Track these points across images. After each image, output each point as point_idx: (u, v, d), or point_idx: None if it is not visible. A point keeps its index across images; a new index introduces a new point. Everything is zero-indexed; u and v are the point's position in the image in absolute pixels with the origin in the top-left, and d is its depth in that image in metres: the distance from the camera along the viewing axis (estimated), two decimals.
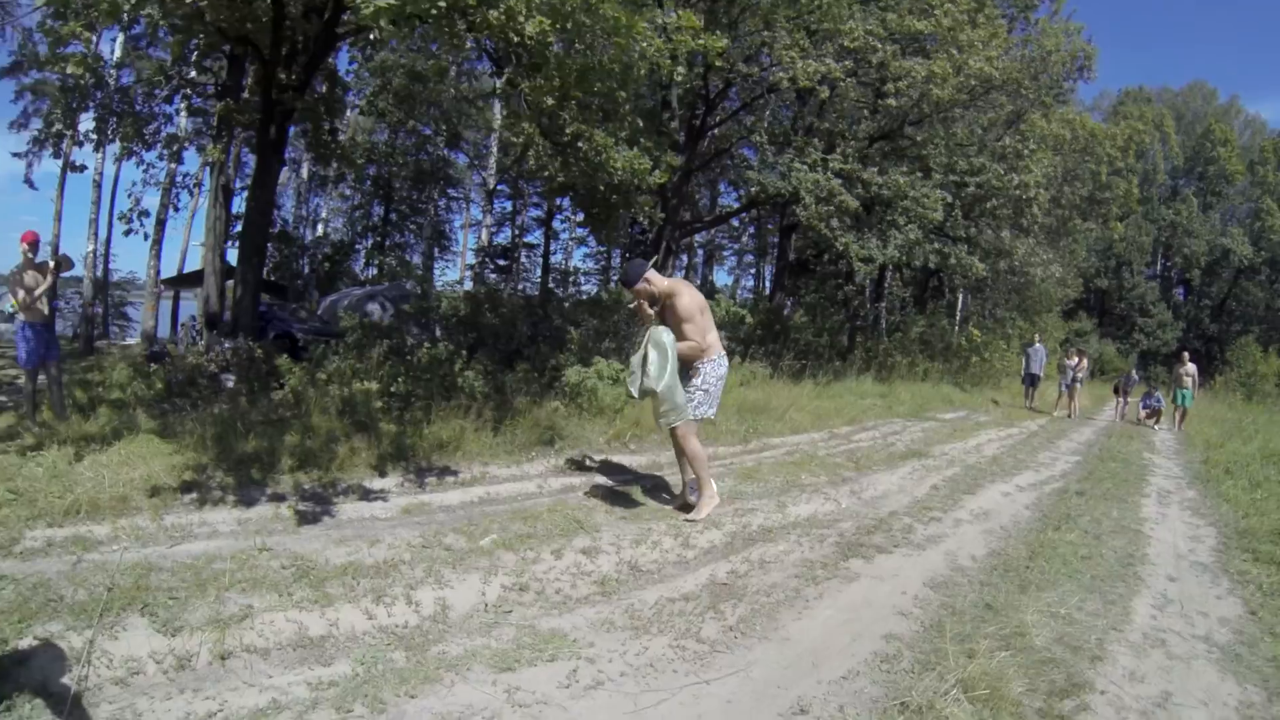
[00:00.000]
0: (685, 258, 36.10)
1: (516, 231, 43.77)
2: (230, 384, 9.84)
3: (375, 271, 37.31)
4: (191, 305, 26.46)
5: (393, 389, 8.88)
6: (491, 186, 29.47)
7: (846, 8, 16.65)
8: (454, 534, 5.27)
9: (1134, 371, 23.83)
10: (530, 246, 44.88)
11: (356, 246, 38.60)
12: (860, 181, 17.11)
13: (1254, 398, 28.69)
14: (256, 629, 3.61)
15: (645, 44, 9.35)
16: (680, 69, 12.07)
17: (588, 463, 7.99)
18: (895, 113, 18.27)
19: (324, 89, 14.54)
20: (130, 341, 29.67)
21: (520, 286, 36.51)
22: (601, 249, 43.22)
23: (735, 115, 21.35)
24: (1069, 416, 19.38)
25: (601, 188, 12.06)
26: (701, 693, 3.52)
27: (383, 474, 6.76)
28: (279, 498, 5.83)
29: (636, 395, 5.96)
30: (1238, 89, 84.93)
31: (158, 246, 24.46)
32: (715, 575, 5.11)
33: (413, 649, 3.61)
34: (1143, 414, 19.27)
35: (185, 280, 27.11)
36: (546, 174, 11.86)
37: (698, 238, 35.22)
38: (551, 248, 45.71)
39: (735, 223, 38.58)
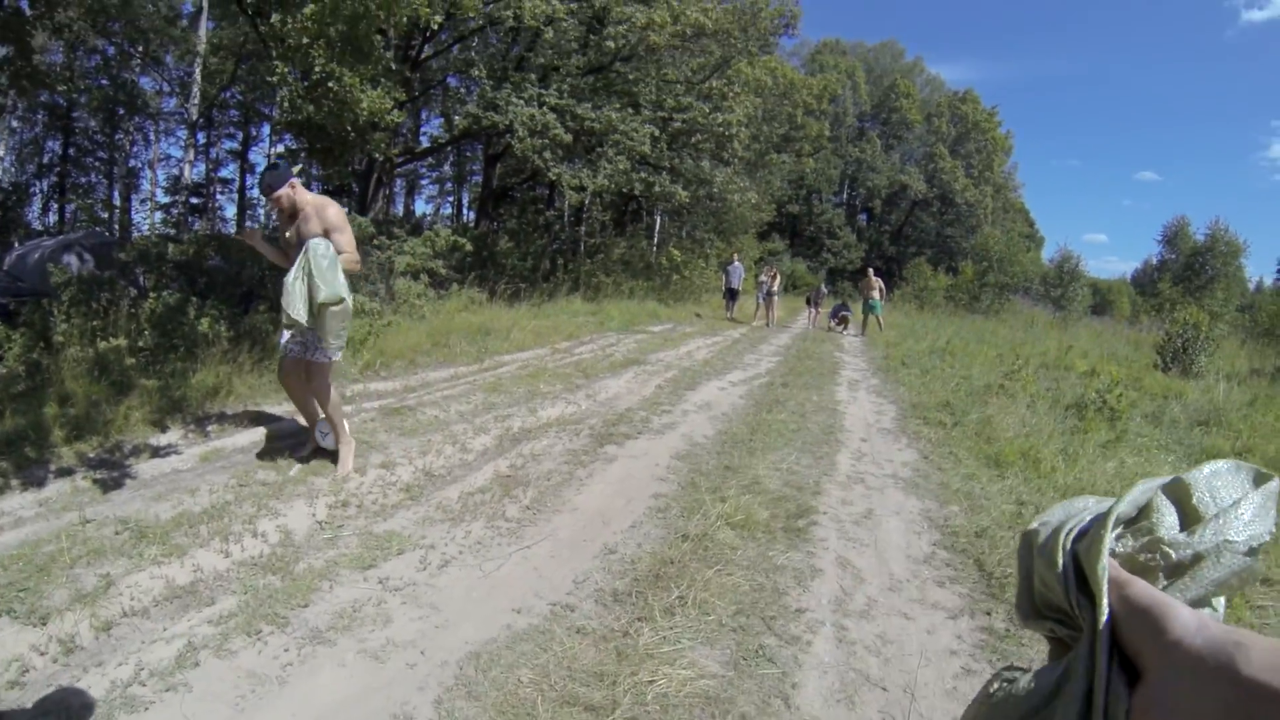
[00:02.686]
0: (387, 189, 35.20)
1: (210, 166, 40.09)
2: None
3: (55, 219, 32.86)
4: None
5: (140, 344, 8.53)
6: (194, 118, 27.06)
7: None
8: (262, 470, 5.69)
9: (823, 285, 26.47)
10: (224, 182, 41.38)
11: (31, 189, 33.37)
12: (573, 115, 17.79)
13: (925, 308, 33.65)
14: (125, 594, 3.72)
15: None
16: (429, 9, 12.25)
17: (349, 391, 8.42)
18: (608, 51, 19.02)
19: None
20: None
21: (215, 226, 33.94)
22: (301, 181, 40.83)
23: (449, 48, 21.22)
24: (766, 325, 21.42)
25: (348, 127, 11.97)
26: (528, 554, 4.49)
27: (163, 429, 6.75)
28: (67, 471, 5.58)
29: (301, 318, 5.09)
30: (923, 50, 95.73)
31: None
32: (499, 470, 6.06)
33: (280, 571, 4.05)
34: (833, 323, 21.79)
35: None
36: (295, 114, 11.49)
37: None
38: (247, 182, 42.24)
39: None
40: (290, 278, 5.10)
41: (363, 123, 12.00)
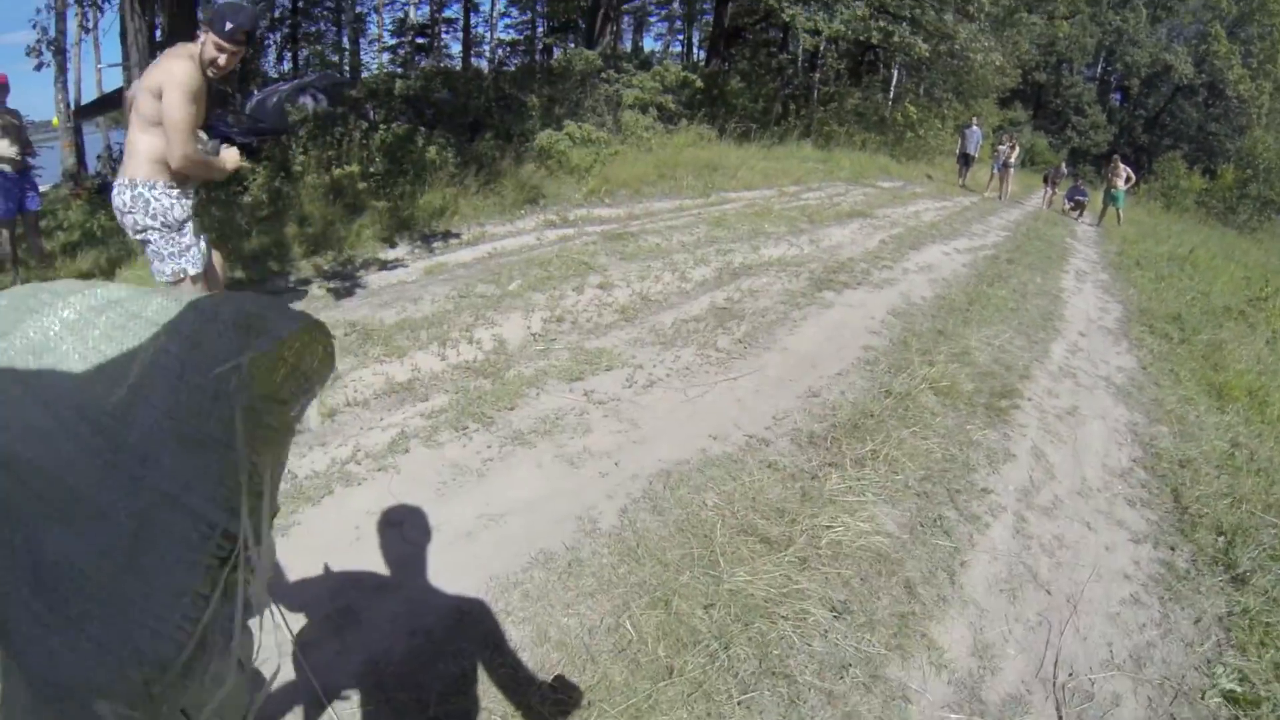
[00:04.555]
0: (615, 25, 34.92)
1: (434, 6, 40.95)
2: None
3: (289, 66, 34.77)
4: (95, 138, 24.38)
5: (371, 170, 9.14)
6: None
7: None
8: (482, 284, 6.05)
9: (1064, 165, 24.34)
10: (449, 21, 42.27)
11: (266, 41, 35.55)
12: None
13: (1172, 209, 29.80)
14: (350, 387, 4.10)
15: None
16: None
17: (572, 215, 8.72)
18: None
19: None
20: (46, 187, 26.78)
21: (441, 63, 34.96)
22: (525, 18, 41.04)
23: None
24: (999, 198, 19.90)
25: None
26: (733, 386, 4.61)
27: (392, 245, 7.30)
28: (305, 281, 6.13)
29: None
30: None
31: (63, 77, 20.37)
32: (715, 301, 6.20)
33: (491, 376, 4.36)
34: (1067, 206, 20.14)
35: (96, 108, 24.35)
36: None
37: (626, 4, 33.76)
38: (471, 20, 42.97)
39: None
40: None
41: None
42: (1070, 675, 2.73)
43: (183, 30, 11.56)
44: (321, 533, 2.89)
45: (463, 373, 4.41)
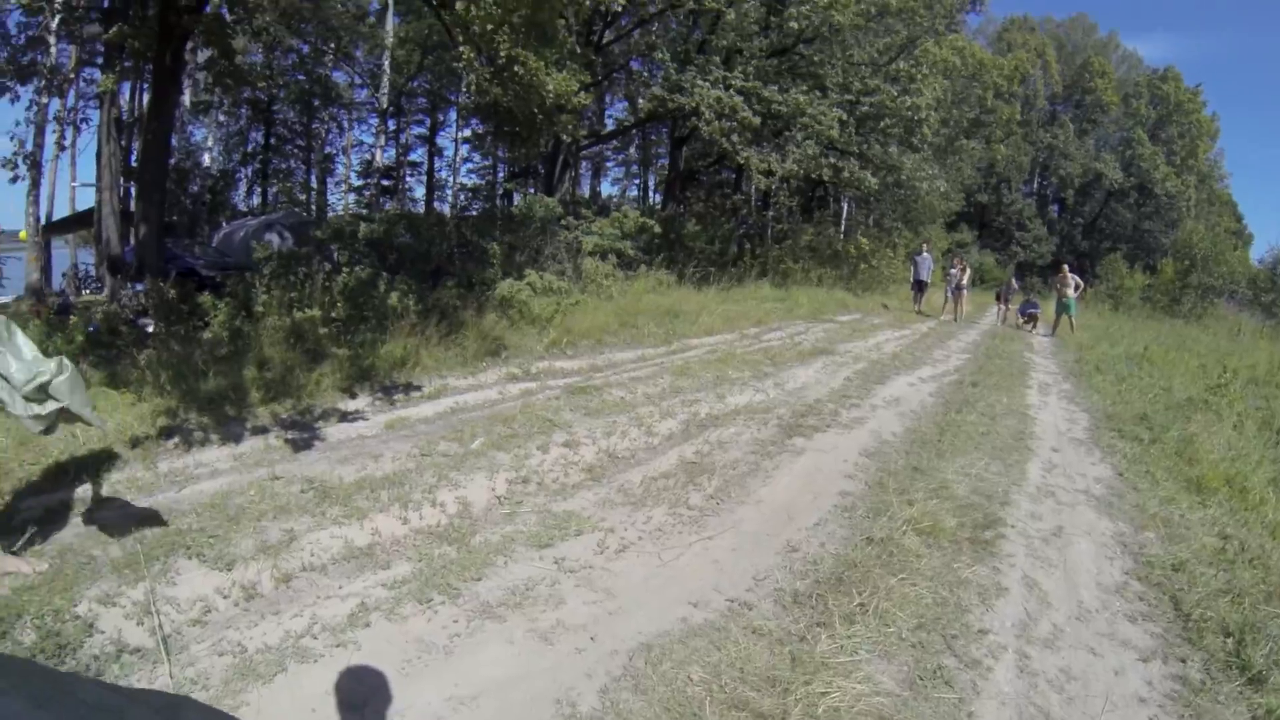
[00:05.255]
0: (573, 171, 36.03)
1: (400, 150, 42.12)
2: (150, 328, 9.38)
3: (258, 201, 35.42)
4: (63, 254, 24.42)
5: (333, 314, 9.01)
6: (385, 106, 28.53)
7: None
8: (444, 441, 5.87)
9: (1013, 280, 25.12)
10: (414, 165, 43.33)
11: (237, 175, 36.34)
12: (760, 98, 17.53)
13: (1120, 308, 31.06)
14: (306, 550, 3.91)
15: None
16: None
17: (534, 368, 8.60)
18: (791, 32, 18.58)
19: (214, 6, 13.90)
20: (6, 299, 26.76)
21: (405, 206, 35.74)
22: (487, 163, 42.29)
23: (630, 32, 21.28)
24: (954, 320, 20.51)
25: (534, 109, 12.25)
26: (709, 546, 4.41)
27: (353, 395, 7.13)
28: (262, 430, 5.95)
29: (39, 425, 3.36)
30: (1117, 24, 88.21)
31: (35, 191, 20.93)
32: (684, 456, 6.01)
33: (457, 542, 4.16)
34: (1021, 320, 20.65)
35: (66, 225, 24.64)
36: (483, 97, 11.88)
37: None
38: (435, 165, 43.92)
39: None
40: None
41: (549, 105, 12.24)
42: None
43: (155, 157, 11.71)
44: (273, 716, 2.68)
45: (426, 538, 4.21)
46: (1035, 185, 58.74)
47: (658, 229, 17.24)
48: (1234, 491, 6.08)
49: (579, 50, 14.60)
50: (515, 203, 24.84)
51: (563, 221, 14.96)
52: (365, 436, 6.05)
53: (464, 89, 12.09)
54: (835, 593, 3.82)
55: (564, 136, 16.49)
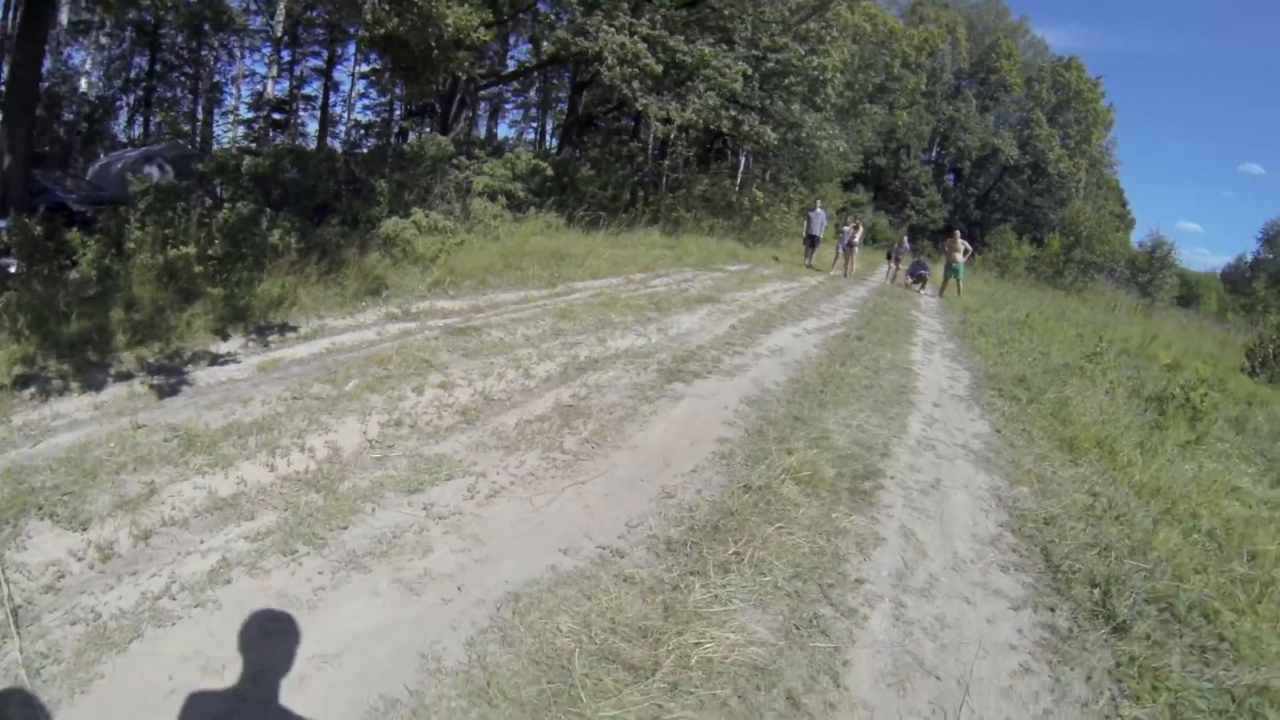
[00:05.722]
0: (470, 111, 35.12)
1: (294, 83, 40.04)
2: (11, 268, 8.70)
3: (139, 132, 33.18)
4: None
5: (210, 252, 8.42)
6: (279, 35, 27.02)
7: None
8: (318, 384, 5.58)
9: (905, 240, 25.61)
10: (308, 99, 41.37)
11: (117, 104, 33.55)
12: (665, 48, 17.36)
13: (1006, 277, 32.49)
14: (167, 503, 3.65)
15: None
16: None
17: (415, 308, 8.31)
18: None
19: None
20: None
21: (296, 141, 34.13)
22: (384, 100, 40.81)
23: None
24: (844, 275, 20.77)
25: (432, 43, 11.72)
26: (581, 491, 4.30)
27: (225, 337, 6.71)
28: (126, 376, 5.51)
29: None
30: (1029, 11, 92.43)
31: None
32: (560, 399, 5.88)
33: (324, 489, 3.94)
34: (910, 280, 21.11)
35: None
36: (378, 28, 11.27)
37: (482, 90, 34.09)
38: (330, 100, 41.94)
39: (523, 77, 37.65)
40: None
41: (447, 39, 11.75)
42: None
43: (24, 80, 10.63)
44: (128, 687, 2.49)
45: (293, 485, 3.97)
46: (934, 154, 60.61)
47: (550, 171, 16.97)
48: (1104, 452, 6.33)
49: None
50: (409, 141, 24.21)
51: (455, 161, 14.56)
52: (236, 380, 5.69)
53: (361, 18, 11.38)
54: (711, 541, 3.77)
55: (460, 74, 15.99)
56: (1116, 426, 7.20)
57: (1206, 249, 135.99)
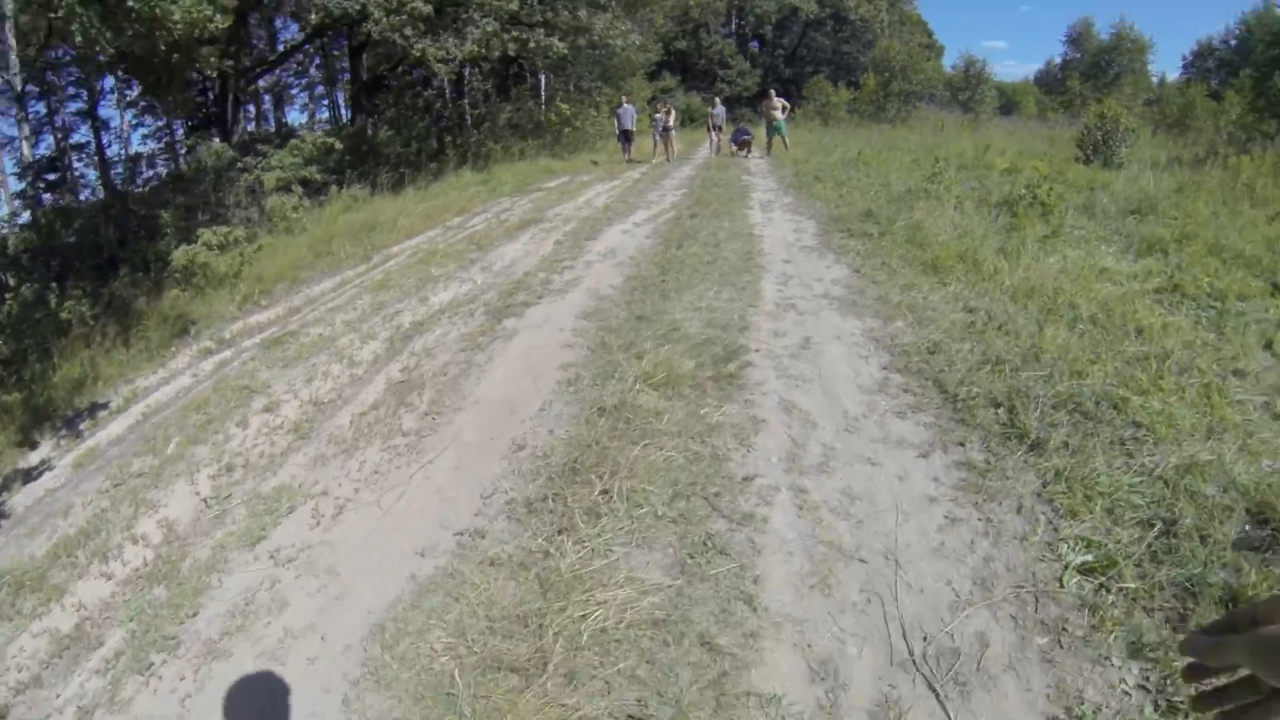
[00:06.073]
0: (253, 106, 33.09)
1: (59, 135, 36.57)
2: None
3: None
4: None
5: None
6: (20, 89, 24.42)
7: None
8: (138, 459, 5.02)
9: (718, 108, 25.30)
10: (79, 148, 37.93)
11: None
12: None
13: (830, 123, 32.76)
14: (12, 666, 3.18)
15: None
16: None
17: (228, 333, 7.69)
18: None
19: None
20: None
21: (82, 195, 31.43)
22: (161, 123, 37.87)
23: None
24: (667, 160, 20.65)
25: (162, 47, 10.64)
26: (430, 472, 3.95)
27: (33, 445, 6.05)
28: None
29: None
30: None
31: None
32: (391, 377, 5.43)
33: (166, 578, 3.50)
34: (735, 148, 21.10)
35: None
36: (90, 48, 10.14)
37: (261, 82, 32.12)
38: (104, 140, 38.60)
39: (299, 57, 35.56)
40: None
41: (181, 38, 10.68)
42: (925, 639, 2.44)
43: None
44: None
45: (134, 587, 3.52)
46: (734, 26, 60.56)
47: (340, 145, 16.23)
48: (969, 266, 6.30)
49: None
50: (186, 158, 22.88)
51: (239, 164, 13.70)
52: (54, 490, 5.08)
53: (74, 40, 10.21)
54: (573, 485, 3.47)
55: (209, 72, 14.88)
56: (974, 238, 7.21)
57: (1014, 61, 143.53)
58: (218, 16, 10.89)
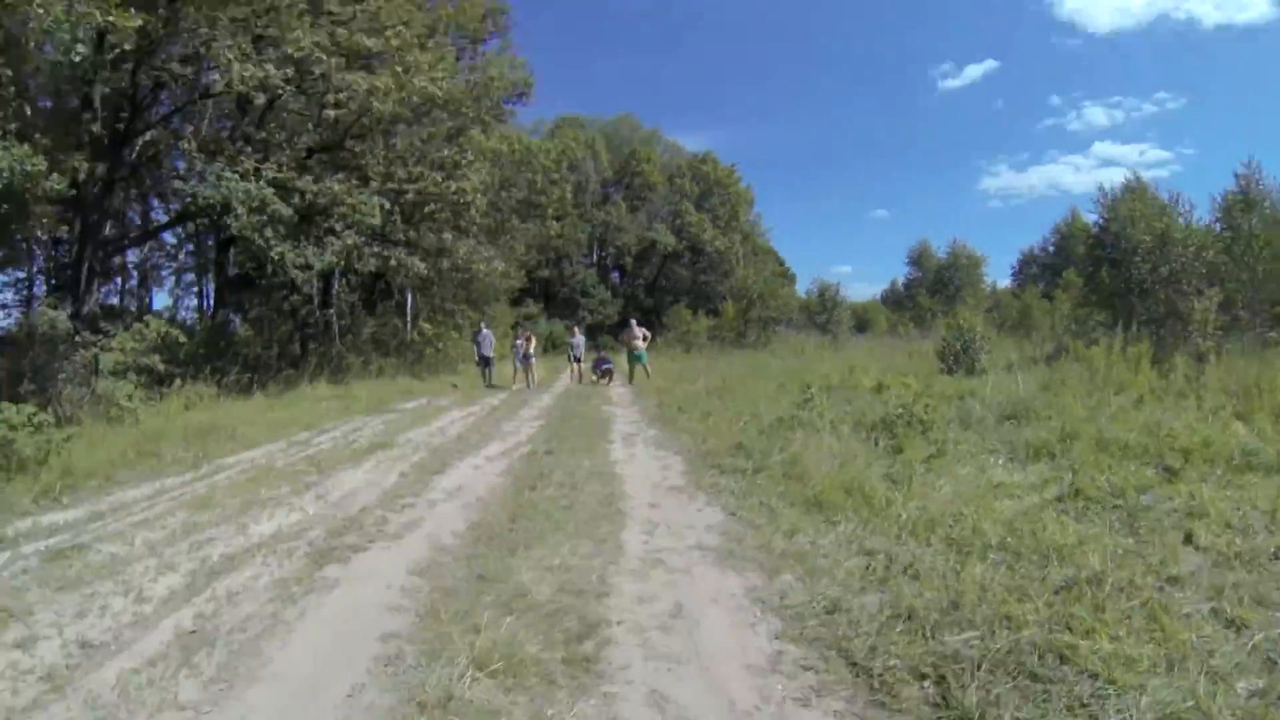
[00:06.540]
0: (119, 280, 31.61)
1: None
2: None
3: None
4: None
5: None
6: None
7: (297, 17, 16.24)
8: None
9: (577, 336, 25.42)
10: None
11: None
12: (295, 190, 16.69)
13: (691, 350, 34.53)
14: None
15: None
16: (83, 47, 10.82)
17: (11, 531, 6.32)
18: (338, 126, 18.34)
19: None
20: None
21: None
22: (22, 274, 35.37)
23: (167, 120, 19.41)
24: (528, 388, 20.59)
25: None
26: None
27: None
28: None
29: None
30: (660, 122, 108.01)
31: None
32: (181, 624, 4.27)
33: None
34: (596, 377, 21.27)
35: None
36: None
37: (129, 257, 30.78)
38: None
39: (172, 239, 34.31)
40: None
41: (3, 187, 9.83)
42: None
43: None
44: None
45: None
46: (595, 256, 64.06)
47: (182, 339, 15.51)
48: (857, 500, 5.88)
49: (29, 111, 12.21)
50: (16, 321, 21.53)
51: (77, 338, 12.73)
52: None
53: None
54: None
55: (39, 233, 14.04)
56: (857, 467, 6.87)
57: (862, 283, 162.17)
58: (54, 176, 10.25)
